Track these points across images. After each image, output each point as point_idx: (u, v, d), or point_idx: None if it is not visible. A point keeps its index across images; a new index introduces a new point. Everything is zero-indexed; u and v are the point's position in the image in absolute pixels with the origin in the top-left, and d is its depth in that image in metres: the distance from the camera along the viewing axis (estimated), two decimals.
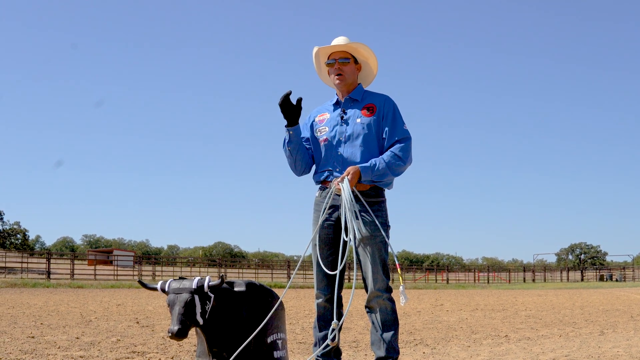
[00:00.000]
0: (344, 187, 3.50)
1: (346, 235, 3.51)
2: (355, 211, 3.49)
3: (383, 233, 3.56)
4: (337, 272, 3.54)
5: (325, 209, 3.62)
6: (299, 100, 3.65)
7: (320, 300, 3.70)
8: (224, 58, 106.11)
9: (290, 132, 3.69)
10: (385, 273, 3.59)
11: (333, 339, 3.41)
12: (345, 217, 3.51)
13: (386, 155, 3.59)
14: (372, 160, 3.57)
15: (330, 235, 3.67)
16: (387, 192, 3.74)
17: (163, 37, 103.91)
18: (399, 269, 3.59)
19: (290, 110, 3.64)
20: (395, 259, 3.60)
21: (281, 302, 3.33)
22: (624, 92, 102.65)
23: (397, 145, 3.62)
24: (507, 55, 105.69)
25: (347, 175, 3.51)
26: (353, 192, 3.53)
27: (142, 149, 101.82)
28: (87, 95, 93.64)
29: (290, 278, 34.15)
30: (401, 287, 3.55)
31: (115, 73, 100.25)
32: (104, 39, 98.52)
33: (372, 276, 3.55)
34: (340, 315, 3.66)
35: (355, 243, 3.56)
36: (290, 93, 3.61)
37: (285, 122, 3.69)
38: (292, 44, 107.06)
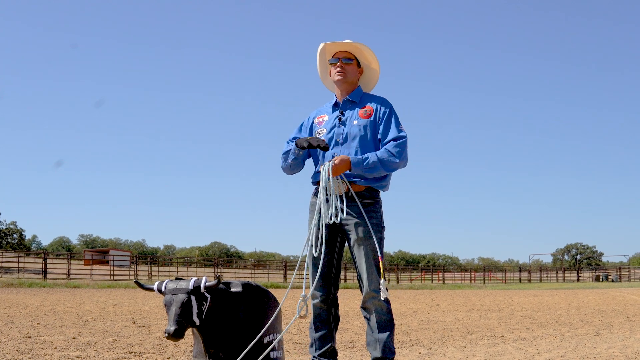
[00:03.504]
0: (324, 167, 3.49)
1: (322, 218, 3.47)
2: (329, 192, 3.46)
3: (375, 234, 3.56)
4: (321, 255, 3.44)
5: (321, 209, 3.64)
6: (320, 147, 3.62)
7: (316, 300, 3.70)
8: (223, 58, 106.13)
9: (299, 152, 3.71)
10: (380, 273, 3.59)
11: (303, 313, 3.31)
12: (320, 198, 3.49)
13: (379, 151, 3.58)
14: (365, 155, 3.57)
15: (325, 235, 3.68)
16: (383, 193, 3.75)
17: (163, 37, 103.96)
18: (380, 262, 3.56)
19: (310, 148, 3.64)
20: (380, 253, 3.57)
21: (277, 302, 3.34)
22: (621, 93, 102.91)
23: (392, 143, 3.60)
24: (504, 56, 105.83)
25: (336, 160, 3.50)
26: (348, 192, 3.51)
27: (139, 149, 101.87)
28: (87, 95, 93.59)
29: (286, 278, 33.95)
30: (382, 280, 3.53)
31: (115, 73, 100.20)
32: (104, 39, 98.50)
33: (367, 277, 3.55)
34: (334, 315, 3.69)
35: (323, 225, 3.47)
36: (327, 147, 3.58)
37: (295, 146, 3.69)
38: (293, 44, 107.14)
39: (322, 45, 3.85)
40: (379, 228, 3.61)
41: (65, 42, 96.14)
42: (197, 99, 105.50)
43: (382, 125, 3.66)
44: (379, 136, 3.66)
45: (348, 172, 3.55)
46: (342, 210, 3.51)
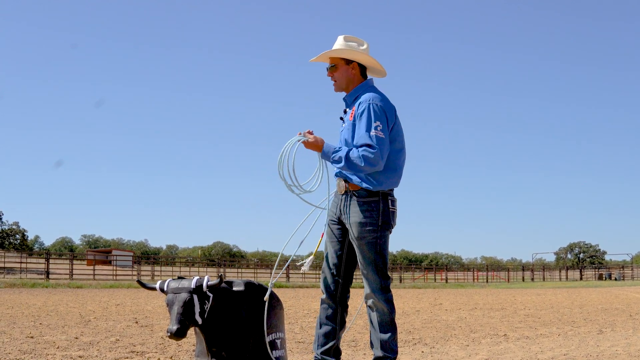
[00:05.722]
0: (292, 139, 3.54)
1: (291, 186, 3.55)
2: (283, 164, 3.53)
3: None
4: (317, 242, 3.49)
5: (329, 208, 3.73)
6: None
7: (324, 296, 3.70)
8: (224, 58, 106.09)
9: None
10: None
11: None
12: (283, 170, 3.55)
13: (353, 150, 3.46)
14: (340, 147, 3.54)
15: (335, 232, 3.70)
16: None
17: (163, 37, 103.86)
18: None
19: None
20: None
21: (280, 301, 3.34)
22: (623, 91, 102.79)
23: (365, 148, 3.43)
24: (504, 55, 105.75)
25: (310, 138, 3.54)
26: (347, 191, 3.56)
27: (141, 149, 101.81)
28: (87, 95, 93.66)
29: (288, 278, 33.83)
30: (309, 259, 3.55)
31: (115, 73, 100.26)
32: (104, 39, 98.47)
33: (365, 277, 3.56)
34: (340, 315, 3.69)
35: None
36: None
37: None
38: (293, 44, 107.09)
39: (310, 61, 3.82)
40: (376, 227, 3.55)
41: (65, 42, 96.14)
42: (198, 98, 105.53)
43: (356, 126, 3.55)
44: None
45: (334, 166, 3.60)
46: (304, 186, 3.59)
